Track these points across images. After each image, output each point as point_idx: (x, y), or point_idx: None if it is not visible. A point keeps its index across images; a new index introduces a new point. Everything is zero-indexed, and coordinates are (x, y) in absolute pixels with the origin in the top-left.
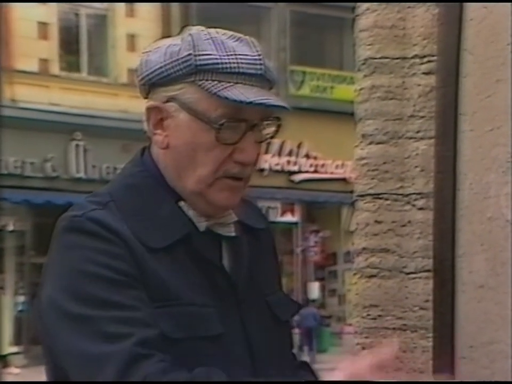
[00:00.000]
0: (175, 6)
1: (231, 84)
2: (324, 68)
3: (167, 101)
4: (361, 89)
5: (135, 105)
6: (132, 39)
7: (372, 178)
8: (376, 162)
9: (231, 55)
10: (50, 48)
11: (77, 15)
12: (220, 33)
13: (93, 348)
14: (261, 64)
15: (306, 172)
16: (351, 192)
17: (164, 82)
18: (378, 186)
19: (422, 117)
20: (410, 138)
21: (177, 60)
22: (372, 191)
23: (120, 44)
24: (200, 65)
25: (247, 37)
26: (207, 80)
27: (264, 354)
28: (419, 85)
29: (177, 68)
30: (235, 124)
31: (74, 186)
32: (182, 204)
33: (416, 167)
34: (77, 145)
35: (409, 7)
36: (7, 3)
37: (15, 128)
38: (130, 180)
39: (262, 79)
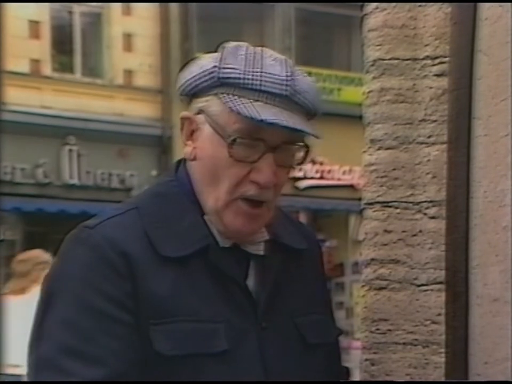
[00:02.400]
0: (174, 4)
1: (251, 100)
2: (330, 68)
3: (198, 113)
4: (370, 91)
5: (131, 108)
6: (128, 38)
7: (381, 186)
8: (386, 169)
9: (257, 72)
10: (42, 48)
11: (70, 13)
12: (260, 51)
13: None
14: (287, 85)
15: (312, 178)
16: (359, 199)
17: (195, 94)
18: (388, 193)
19: (434, 121)
20: (422, 143)
21: (204, 71)
22: (381, 199)
23: (116, 43)
24: (223, 78)
25: (284, 57)
26: (228, 94)
27: (281, 375)
28: (431, 88)
29: (203, 79)
30: (251, 142)
31: (67, 193)
32: (207, 217)
33: (427, 173)
34: (70, 150)
35: (420, 5)
36: None
37: (4, 132)
38: (159, 188)
39: (289, 102)
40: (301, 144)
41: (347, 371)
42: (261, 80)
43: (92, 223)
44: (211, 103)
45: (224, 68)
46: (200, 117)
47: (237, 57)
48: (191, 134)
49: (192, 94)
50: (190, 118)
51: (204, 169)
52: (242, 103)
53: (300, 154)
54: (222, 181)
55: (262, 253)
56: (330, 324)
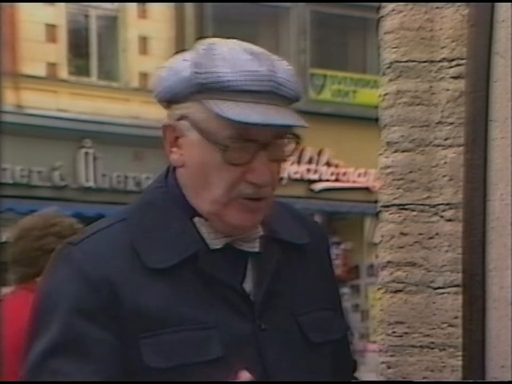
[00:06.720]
0: (189, 7)
1: (236, 102)
2: (346, 71)
3: (180, 119)
4: (386, 94)
5: (147, 111)
6: (144, 41)
7: (398, 188)
8: (402, 171)
9: (237, 71)
10: (59, 52)
11: (86, 16)
12: (234, 46)
13: None
14: (269, 80)
15: (327, 180)
16: (375, 202)
17: (175, 100)
18: (404, 196)
19: (451, 123)
20: (438, 146)
21: (184, 78)
22: (397, 202)
23: (131, 46)
24: (205, 83)
25: (262, 50)
26: (211, 98)
27: (283, 376)
28: (447, 90)
29: (184, 86)
30: (243, 144)
31: (83, 196)
32: (196, 220)
33: (444, 176)
34: (86, 153)
35: (437, 7)
36: (12, 3)
37: (21, 135)
38: (147, 196)
39: (274, 96)
40: (291, 136)
41: (354, 364)
42: (243, 80)
43: (76, 239)
44: (194, 109)
45: (205, 73)
46: (184, 123)
47: (215, 59)
48: (175, 141)
49: (171, 100)
50: (171, 125)
51: (194, 174)
52: (229, 108)
53: (291, 145)
54: (216, 185)
55: (257, 249)
56: (336, 319)
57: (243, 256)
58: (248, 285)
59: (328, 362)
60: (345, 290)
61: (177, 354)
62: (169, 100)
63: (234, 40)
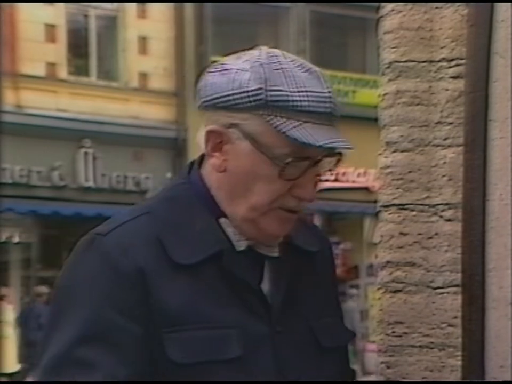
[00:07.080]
0: (189, 7)
1: (300, 122)
2: (345, 71)
3: (230, 127)
4: (385, 94)
5: (146, 111)
6: (143, 41)
7: (397, 188)
8: (401, 171)
9: (302, 91)
10: (58, 52)
11: (85, 16)
12: (289, 61)
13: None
14: (330, 102)
15: (327, 180)
16: (374, 202)
17: (228, 108)
18: (404, 196)
19: (450, 123)
20: (438, 146)
21: (247, 91)
22: (396, 202)
23: (131, 46)
24: (271, 101)
25: (316, 68)
26: (275, 116)
27: (297, 379)
28: (447, 90)
29: (246, 99)
30: (299, 161)
31: (83, 196)
32: (222, 220)
33: (443, 176)
34: (86, 153)
35: (436, 7)
36: (12, 3)
37: (21, 135)
38: (170, 192)
39: (329, 116)
40: (338, 154)
41: (353, 373)
42: (308, 101)
43: (104, 230)
44: (251, 122)
45: (271, 91)
46: (234, 131)
47: (278, 74)
48: (218, 146)
49: (222, 107)
50: (218, 131)
51: (235, 181)
52: (294, 127)
53: (332, 161)
54: (260, 194)
55: (277, 254)
56: (342, 326)
57: (260, 259)
58: (265, 288)
59: (336, 368)
60: (353, 291)
61: (199, 351)
62: (220, 107)
63: (283, 52)
